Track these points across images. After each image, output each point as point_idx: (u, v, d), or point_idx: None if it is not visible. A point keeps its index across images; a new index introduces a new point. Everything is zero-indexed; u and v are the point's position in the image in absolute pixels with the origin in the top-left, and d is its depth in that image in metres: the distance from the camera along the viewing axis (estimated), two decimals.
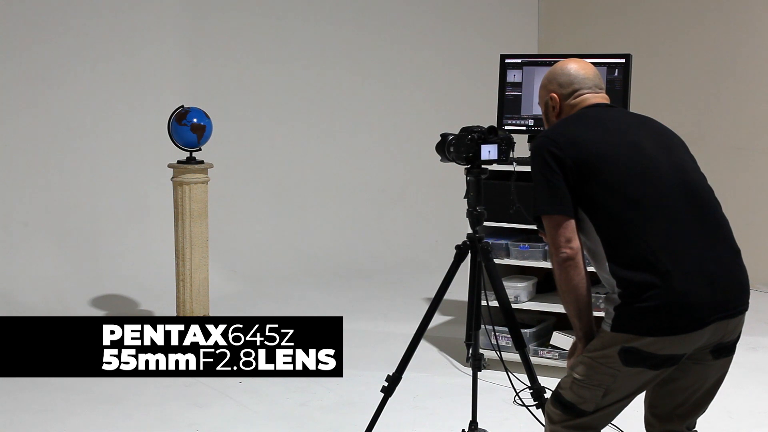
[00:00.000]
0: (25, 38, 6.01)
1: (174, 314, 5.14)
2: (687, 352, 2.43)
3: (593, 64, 4.57)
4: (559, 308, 4.53)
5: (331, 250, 7.12)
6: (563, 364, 4.47)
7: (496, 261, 4.50)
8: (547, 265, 4.52)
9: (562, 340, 4.51)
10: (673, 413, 2.63)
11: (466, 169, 3.27)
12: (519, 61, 4.71)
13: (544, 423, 3.34)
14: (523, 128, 4.68)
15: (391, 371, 3.38)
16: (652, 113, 8.20)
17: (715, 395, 2.64)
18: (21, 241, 6.01)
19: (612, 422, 3.72)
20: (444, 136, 3.30)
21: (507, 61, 4.75)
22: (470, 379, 3.55)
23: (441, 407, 4.14)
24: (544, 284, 4.77)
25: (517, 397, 3.77)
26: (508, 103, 4.70)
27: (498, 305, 3.33)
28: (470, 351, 3.45)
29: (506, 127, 4.62)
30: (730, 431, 3.93)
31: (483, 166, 3.27)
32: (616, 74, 4.51)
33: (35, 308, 5.74)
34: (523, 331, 4.56)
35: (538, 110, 4.65)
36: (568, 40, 7.95)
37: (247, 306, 6.01)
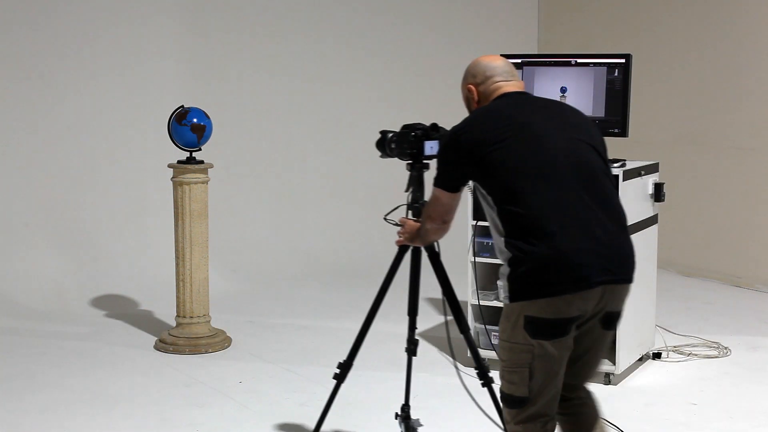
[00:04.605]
0: (25, 39, 6.01)
1: (174, 314, 5.14)
2: (582, 314, 2.58)
3: (593, 64, 4.63)
4: None
5: (331, 250, 7.12)
6: None
7: (492, 261, 4.56)
8: None
9: None
10: (570, 381, 2.79)
11: (408, 164, 3.43)
12: (519, 61, 4.70)
13: (483, 410, 3.48)
14: None
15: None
16: (652, 113, 8.21)
17: (599, 364, 2.88)
18: (21, 241, 6.01)
19: (607, 419, 3.76)
20: (383, 133, 3.46)
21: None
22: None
23: (441, 407, 4.14)
24: None
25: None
26: None
27: (442, 292, 3.44)
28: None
29: None
30: (730, 431, 3.93)
31: (425, 162, 3.42)
32: (616, 74, 4.51)
33: (35, 308, 5.75)
34: None
35: None
36: (568, 40, 7.95)
37: (247, 306, 6.02)
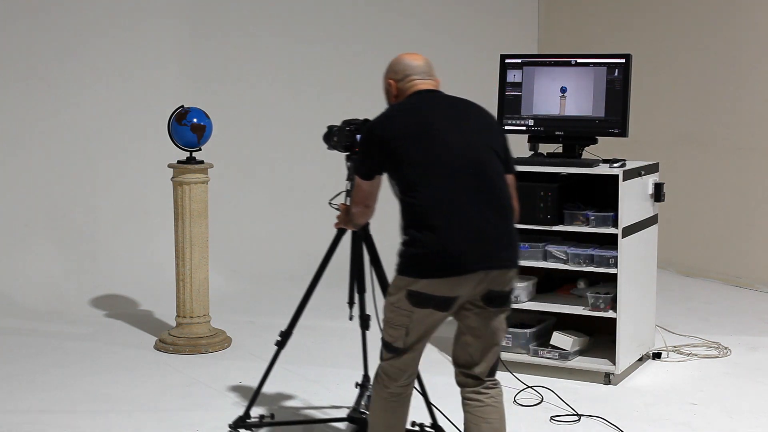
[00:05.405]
0: (25, 39, 6.01)
1: (174, 314, 5.14)
2: (460, 294, 2.92)
3: (593, 64, 4.63)
4: (559, 308, 4.53)
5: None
6: (563, 364, 4.48)
7: None
8: (547, 264, 4.53)
9: (562, 340, 4.51)
10: (469, 361, 3.10)
11: (346, 156, 3.67)
12: (519, 61, 4.70)
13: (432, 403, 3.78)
14: (524, 128, 4.68)
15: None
16: (652, 113, 8.18)
17: (497, 343, 3.09)
18: (21, 241, 6.01)
19: (607, 419, 3.77)
20: (330, 127, 3.68)
21: (507, 61, 4.75)
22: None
23: (441, 407, 4.14)
24: (544, 284, 4.77)
25: (524, 393, 3.77)
26: (508, 103, 4.70)
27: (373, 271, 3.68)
28: (352, 311, 3.86)
29: (506, 127, 4.62)
30: (730, 431, 3.94)
31: None
32: (616, 74, 4.50)
33: (35, 308, 5.75)
34: (522, 331, 4.59)
35: (538, 110, 4.65)
36: (568, 40, 7.95)
37: (247, 306, 6.02)
